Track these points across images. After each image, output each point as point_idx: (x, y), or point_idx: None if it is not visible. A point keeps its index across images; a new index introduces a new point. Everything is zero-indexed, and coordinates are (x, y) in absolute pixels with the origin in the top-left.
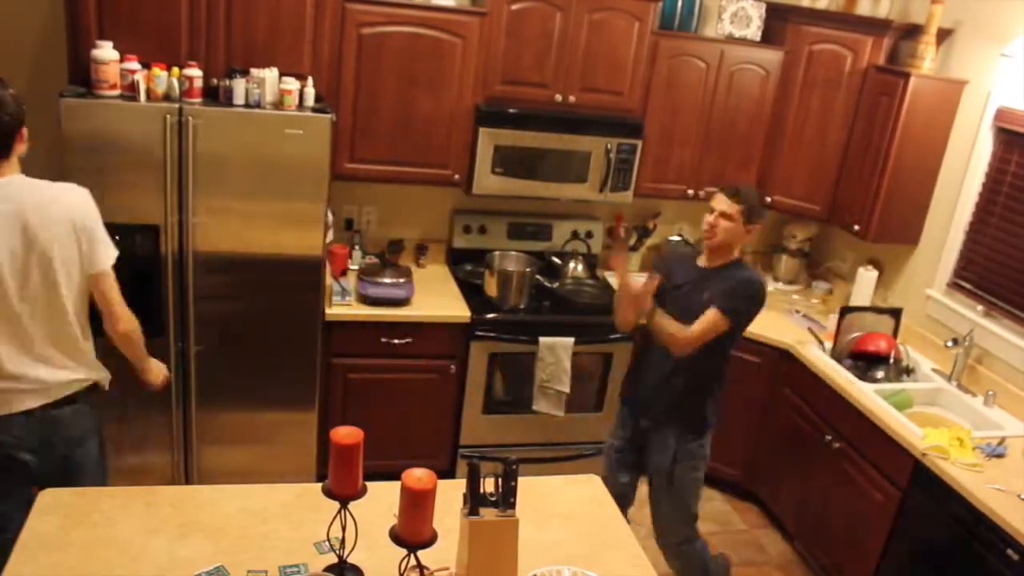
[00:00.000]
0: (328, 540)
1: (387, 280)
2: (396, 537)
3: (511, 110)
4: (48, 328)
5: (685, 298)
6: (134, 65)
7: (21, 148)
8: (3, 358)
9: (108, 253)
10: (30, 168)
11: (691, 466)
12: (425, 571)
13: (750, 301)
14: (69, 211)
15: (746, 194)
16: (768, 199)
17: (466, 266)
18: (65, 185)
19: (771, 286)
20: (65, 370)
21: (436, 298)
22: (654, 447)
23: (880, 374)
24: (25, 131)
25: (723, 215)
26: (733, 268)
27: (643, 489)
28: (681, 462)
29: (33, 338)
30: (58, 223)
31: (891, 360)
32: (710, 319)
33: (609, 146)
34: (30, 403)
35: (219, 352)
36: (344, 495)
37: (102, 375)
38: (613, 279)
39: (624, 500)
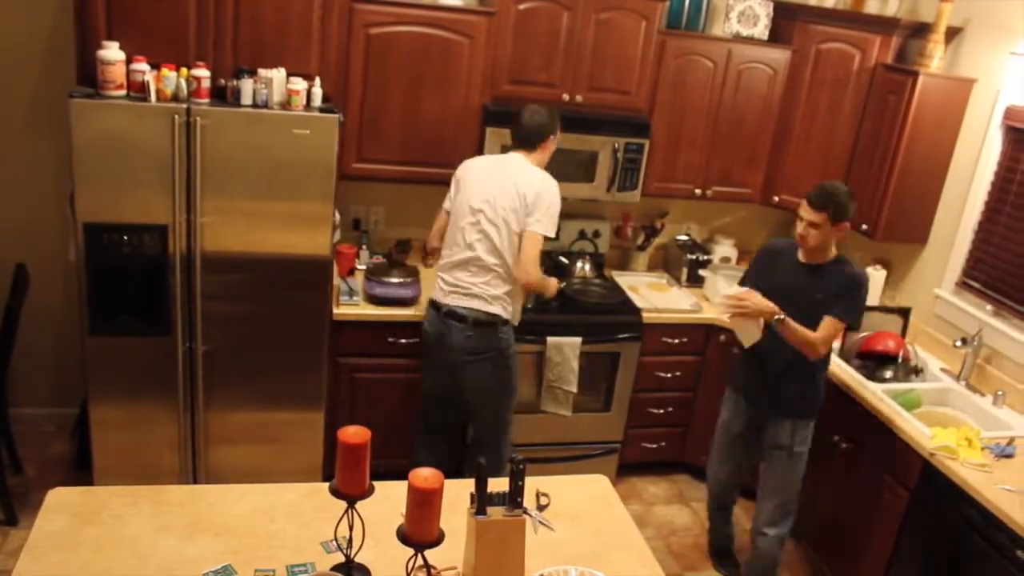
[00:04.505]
0: (335, 539)
1: (394, 280)
2: (403, 536)
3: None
4: None
5: (801, 298)
6: (143, 66)
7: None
8: None
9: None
10: (42, 167)
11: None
12: (432, 571)
13: (861, 296)
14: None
15: (826, 199)
16: (776, 198)
17: None
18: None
19: None
20: None
21: None
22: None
23: (888, 374)
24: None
25: (811, 224)
26: (835, 265)
27: (649, 490)
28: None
29: None
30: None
31: (899, 360)
32: (833, 326)
33: (616, 145)
34: None
35: (227, 352)
36: (351, 494)
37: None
38: (723, 298)
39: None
